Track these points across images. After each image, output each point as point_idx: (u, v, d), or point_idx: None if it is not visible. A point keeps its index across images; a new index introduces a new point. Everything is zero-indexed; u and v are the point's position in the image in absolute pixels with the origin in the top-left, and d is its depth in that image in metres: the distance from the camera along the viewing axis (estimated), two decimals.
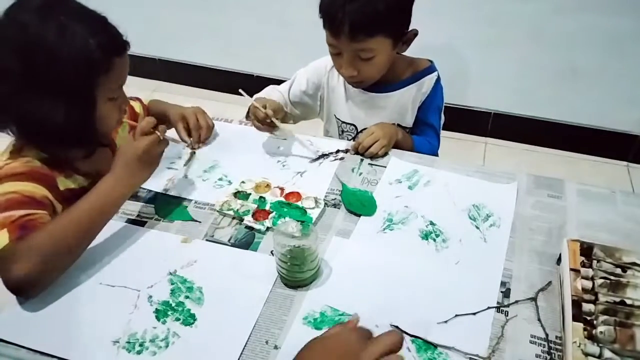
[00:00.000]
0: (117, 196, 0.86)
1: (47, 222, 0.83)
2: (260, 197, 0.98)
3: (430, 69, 1.22)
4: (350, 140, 1.26)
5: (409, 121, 1.24)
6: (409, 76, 1.21)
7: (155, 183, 1.02)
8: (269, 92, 1.26)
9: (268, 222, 0.92)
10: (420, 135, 1.24)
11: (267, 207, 0.96)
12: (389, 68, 1.15)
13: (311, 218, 0.92)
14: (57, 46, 0.81)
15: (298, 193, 0.98)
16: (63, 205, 0.90)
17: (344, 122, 1.27)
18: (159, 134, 0.91)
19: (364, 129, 1.22)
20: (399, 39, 1.09)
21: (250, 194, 0.99)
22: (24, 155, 0.90)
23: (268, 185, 1.01)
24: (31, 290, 0.79)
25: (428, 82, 1.21)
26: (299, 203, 0.96)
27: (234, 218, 0.94)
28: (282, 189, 1.00)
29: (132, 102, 1.17)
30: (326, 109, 1.30)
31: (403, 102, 1.21)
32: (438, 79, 1.22)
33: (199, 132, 1.13)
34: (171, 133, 1.12)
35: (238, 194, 0.99)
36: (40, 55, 0.81)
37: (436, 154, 1.25)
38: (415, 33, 1.10)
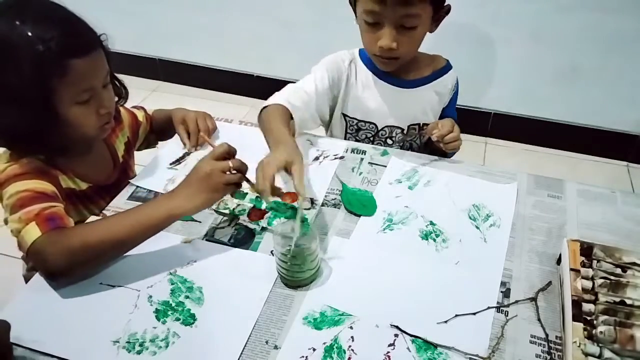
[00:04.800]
0: (161, 215, 0.81)
1: (86, 224, 0.84)
2: (257, 196, 0.98)
3: (449, 65, 1.23)
4: (368, 137, 1.24)
5: (431, 119, 1.23)
6: (429, 73, 1.21)
7: (155, 183, 1.02)
8: (291, 95, 1.11)
9: (263, 222, 0.92)
10: None
11: (263, 207, 0.95)
12: (412, 63, 1.15)
13: (307, 218, 0.92)
14: (5, 49, 0.77)
15: (295, 193, 0.98)
16: (67, 202, 0.90)
17: (360, 121, 1.23)
18: (230, 164, 0.83)
19: (385, 126, 1.21)
20: (438, 11, 1.06)
21: (247, 193, 0.99)
22: (23, 156, 0.89)
23: None
24: (61, 283, 0.81)
25: (451, 79, 1.22)
26: (295, 204, 0.96)
27: (233, 217, 0.94)
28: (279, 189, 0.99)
29: (135, 111, 1.17)
30: (337, 108, 1.24)
31: (427, 100, 1.21)
32: (457, 78, 1.24)
33: (197, 136, 1.12)
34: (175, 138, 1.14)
35: (235, 193, 0.98)
36: None
37: None
38: (448, 9, 1.08)
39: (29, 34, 0.76)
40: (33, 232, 0.78)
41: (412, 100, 1.20)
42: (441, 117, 1.25)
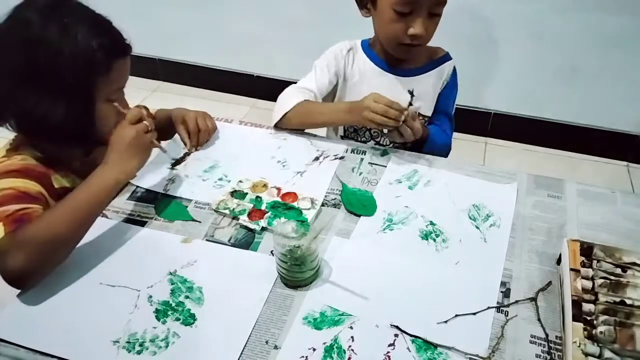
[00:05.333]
0: (110, 184, 0.86)
1: (40, 214, 0.83)
2: (257, 196, 0.98)
3: (448, 56, 1.23)
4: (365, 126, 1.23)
5: (428, 109, 1.23)
6: (426, 62, 1.21)
7: (155, 183, 1.02)
8: (294, 95, 1.16)
9: (263, 222, 0.92)
10: (437, 125, 1.22)
11: (263, 207, 0.96)
12: None
13: (306, 219, 0.92)
14: (59, 44, 0.82)
15: (294, 194, 0.98)
16: (56, 203, 0.90)
17: None
18: (146, 123, 0.91)
19: None
20: None
21: (247, 193, 0.99)
22: (19, 153, 0.91)
23: (265, 185, 1.01)
24: (29, 282, 0.79)
25: (447, 69, 1.22)
26: (295, 204, 0.96)
27: (232, 218, 0.94)
28: (279, 189, 0.99)
29: None
30: (337, 97, 1.27)
31: (423, 89, 1.21)
32: (455, 69, 1.23)
33: (197, 136, 1.13)
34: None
35: (235, 193, 0.99)
36: (42, 52, 0.82)
37: (450, 146, 1.23)
38: None
39: (84, 35, 0.84)
40: None
41: (409, 88, 1.20)
42: (436, 108, 1.24)
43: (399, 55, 1.16)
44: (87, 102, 0.88)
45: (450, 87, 1.25)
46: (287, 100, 1.15)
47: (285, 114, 1.14)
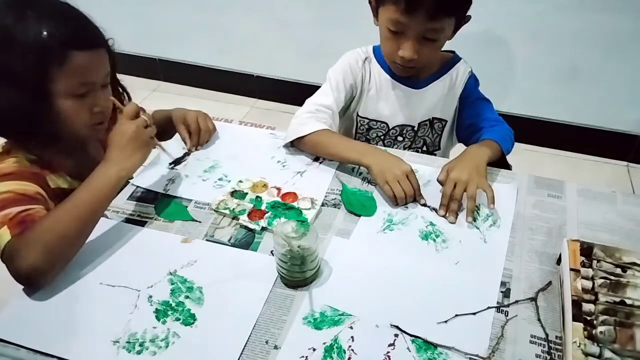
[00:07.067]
0: (113, 180, 0.86)
1: (45, 214, 0.83)
2: (257, 196, 0.98)
3: (457, 57, 1.21)
4: (379, 136, 1.23)
5: (442, 113, 1.22)
6: (438, 69, 1.19)
7: (155, 183, 1.02)
8: (313, 115, 1.10)
9: (263, 222, 0.92)
10: (493, 129, 1.14)
11: (263, 207, 0.96)
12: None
13: (306, 219, 0.92)
14: (12, 33, 0.80)
15: (294, 193, 0.98)
16: (54, 202, 0.89)
17: (372, 120, 1.22)
18: (145, 117, 0.91)
19: (396, 125, 1.21)
20: (460, 23, 1.06)
21: (247, 193, 0.99)
22: (12, 157, 0.90)
23: (265, 185, 1.01)
24: (40, 280, 0.79)
25: (462, 69, 1.20)
26: (295, 204, 0.96)
27: (232, 218, 0.94)
28: (279, 189, 1.00)
29: None
30: (351, 109, 1.24)
31: (437, 95, 1.19)
32: (472, 73, 1.21)
33: (198, 136, 1.13)
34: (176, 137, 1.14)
35: (235, 193, 0.99)
36: None
37: (509, 129, 1.16)
38: (469, 18, 1.07)
39: (37, 23, 0.81)
40: (4, 236, 0.79)
41: (424, 98, 1.19)
42: (474, 123, 1.19)
43: (396, 72, 1.15)
44: (40, 95, 0.84)
45: (471, 87, 1.21)
46: (305, 124, 1.08)
47: (301, 137, 1.08)
